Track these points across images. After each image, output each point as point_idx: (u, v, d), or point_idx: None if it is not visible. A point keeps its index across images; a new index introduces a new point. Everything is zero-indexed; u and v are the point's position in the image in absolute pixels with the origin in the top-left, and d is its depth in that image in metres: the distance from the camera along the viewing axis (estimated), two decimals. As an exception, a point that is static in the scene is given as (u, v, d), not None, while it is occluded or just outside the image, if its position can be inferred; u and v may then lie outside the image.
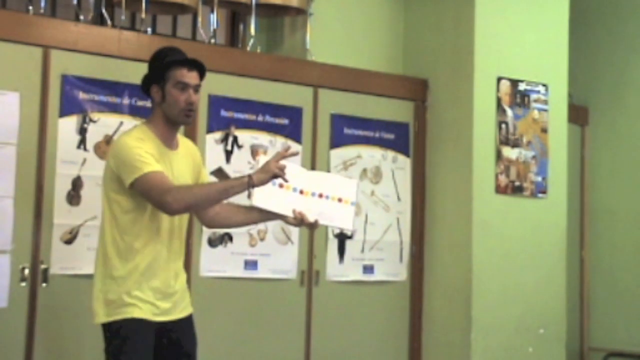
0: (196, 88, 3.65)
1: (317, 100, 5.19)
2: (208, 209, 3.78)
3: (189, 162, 3.76)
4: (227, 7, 5.30)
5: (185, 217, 3.71)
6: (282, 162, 3.57)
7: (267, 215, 3.78)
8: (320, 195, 3.78)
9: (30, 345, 4.20)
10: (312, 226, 3.79)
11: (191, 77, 3.65)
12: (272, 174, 3.53)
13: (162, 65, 3.64)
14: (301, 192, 3.75)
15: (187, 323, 3.71)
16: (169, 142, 3.66)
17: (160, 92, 3.63)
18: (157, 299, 3.56)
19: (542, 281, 5.63)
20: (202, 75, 3.71)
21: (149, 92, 3.69)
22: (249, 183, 3.50)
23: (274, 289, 4.97)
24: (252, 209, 3.75)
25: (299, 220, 3.74)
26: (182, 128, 4.62)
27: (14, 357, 4.18)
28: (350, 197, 3.85)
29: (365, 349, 5.34)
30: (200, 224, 3.98)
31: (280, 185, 3.70)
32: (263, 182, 3.53)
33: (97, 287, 3.57)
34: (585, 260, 6.64)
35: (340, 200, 3.82)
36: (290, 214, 3.73)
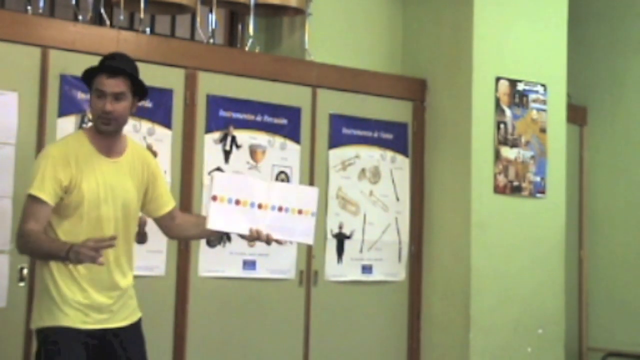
0: (116, 96, 3.53)
1: (315, 100, 5.19)
2: (165, 220, 3.81)
3: (135, 171, 3.68)
4: (226, 7, 5.30)
5: (127, 229, 3.66)
6: (243, 177, 3.50)
7: (224, 233, 3.74)
8: (280, 209, 3.70)
9: (28, 345, 4.19)
10: (268, 242, 3.72)
11: (109, 84, 3.52)
12: (80, 260, 3.35)
13: (88, 71, 3.60)
14: (259, 206, 3.67)
15: (132, 330, 3.67)
16: (107, 150, 3.60)
17: (89, 99, 3.63)
18: (88, 308, 3.52)
19: (540, 281, 5.63)
20: (135, 83, 3.59)
21: None
22: (64, 257, 3.37)
23: (272, 289, 4.97)
24: None
25: (254, 238, 3.69)
26: (180, 129, 4.66)
27: (12, 357, 4.18)
28: (311, 207, 3.77)
29: (364, 349, 5.34)
30: (166, 236, 3.99)
31: (237, 202, 3.62)
32: (74, 262, 3.39)
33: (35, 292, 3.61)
34: (584, 260, 6.65)
35: (300, 212, 3.73)
36: (246, 231, 3.66)
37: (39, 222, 3.47)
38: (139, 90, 3.63)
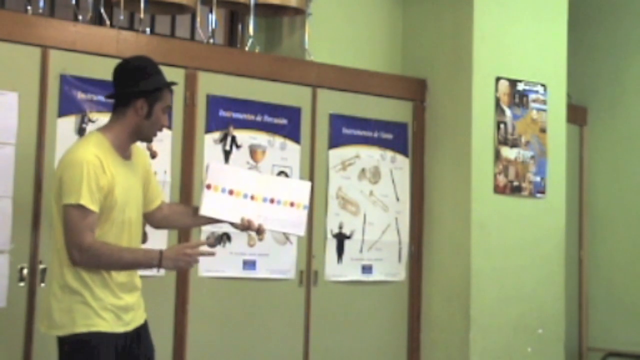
0: None
1: (315, 100, 5.19)
2: (155, 213, 3.84)
3: (139, 171, 3.72)
4: (226, 7, 5.30)
5: (139, 230, 3.70)
6: (237, 168, 3.57)
7: (215, 220, 3.80)
8: (272, 201, 3.79)
9: (28, 345, 4.20)
10: (258, 232, 3.79)
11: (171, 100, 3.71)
12: (179, 267, 3.55)
13: (158, 83, 3.61)
14: (252, 197, 3.76)
15: (145, 328, 3.71)
16: (125, 153, 3.62)
17: (147, 108, 3.58)
18: (120, 310, 3.54)
19: (540, 281, 5.64)
20: None
21: (124, 99, 3.60)
22: (157, 265, 3.48)
23: (272, 289, 4.97)
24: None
25: (246, 227, 3.75)
26: (180, 129, 4.67)
27: (12, 357, 4.18)
28: (303, 200, 3.86)
29: (364, 349, 5.34)
30: (152, 227, 4.01)
31: (230, 192, 3.72)
32: (169, 269, 3.56)
33: (55, 297, 3.53)
34: (584, 260, 6.65)
35: (292, 204, 3.83)
36: (237, 220, 3.75)
37: (94, 233, 3.46)
38: None
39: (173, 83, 3.71)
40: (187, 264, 3.52)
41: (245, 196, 3.75)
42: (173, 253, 3.49)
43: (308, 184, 3.98)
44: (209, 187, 3.70)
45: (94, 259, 3.45)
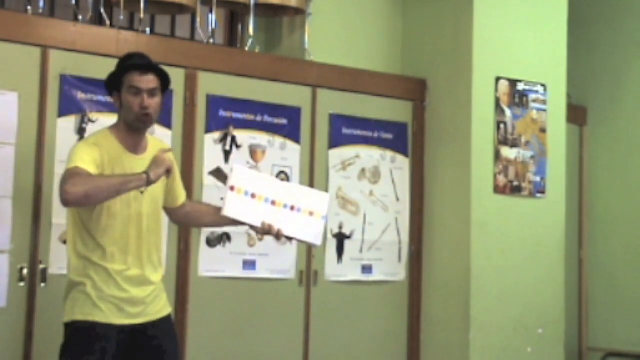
0: (151, 92, 3.62)
1: (315, 100, 5.19)
2: (178, 209, 3.89)
3: None
4: (226, 7, 5.30)
5: (153, 225, 3.71)
6: (261, 173, 3.57)
7: (237, 222, 3.82)
8: (292, 208, 3.82)
9: (28, 345, 4.20)
10: (277, 237, 3.81)
11: (144, 80, 3.61)
12: (166, 166, 3.52)
13: (117, 71, 3.66)
14: (273, 203, 3.79)
15: (165, 324, 3.73)
16: (133, 147, 3.65)
17: (118, 99, 3.66)
18: (123, 302, 3.57)
19: (540, 281, 5.63)
20: (163, 79, 3.68)
21: (112, 98, 3.73)
22: (148, 180, 3.49)
23: (272, 289, 4.97)
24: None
25: (266, 231, 3.77)
26: (180, 129, 4.67)
27: (12, 357, 4.18)
28: (322, 210, 3.88)
29: (364, 349, 5.34)
30: (172, 222, 4.06)
31: (253, 196, 3.75)
32: (159, 176, 3.52)
33: (66, 288, 3.63)
34: (584, 260, 6.65)
35: (311, 213, 3.85)
36: (258, 224, 3.76)
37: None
38: (164, 87, 3.71)
39: (130, 64, 3.65)
40: (166, 167, 3.52)
41: (266, 201, 3.78)
42: (153, 171, 3.48)
43: (327, 195, 4.02)
44: (232, 189, 3.73)
45: (86, 181, 3.40)
